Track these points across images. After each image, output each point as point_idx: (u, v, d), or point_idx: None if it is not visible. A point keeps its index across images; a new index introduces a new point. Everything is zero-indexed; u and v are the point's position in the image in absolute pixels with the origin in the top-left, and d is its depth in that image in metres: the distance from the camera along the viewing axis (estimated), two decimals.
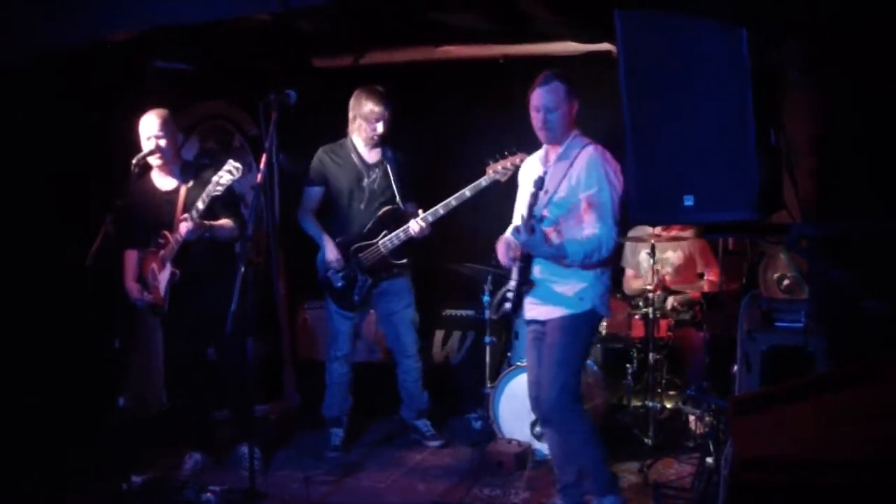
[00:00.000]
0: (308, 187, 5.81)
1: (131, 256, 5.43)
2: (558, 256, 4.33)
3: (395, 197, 5.75)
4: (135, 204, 5.14)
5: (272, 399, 6.78)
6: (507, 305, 4.54)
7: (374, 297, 5.86)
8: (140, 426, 5.53)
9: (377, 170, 5.75)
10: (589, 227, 4.35)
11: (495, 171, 5.35)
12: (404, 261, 5.80)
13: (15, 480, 5.06)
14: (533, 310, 4.57)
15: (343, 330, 5.89)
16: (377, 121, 5.64)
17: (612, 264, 4.59)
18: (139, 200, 5.25)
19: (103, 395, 5.13)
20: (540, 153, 4.70)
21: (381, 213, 5.72)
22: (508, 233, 4.70)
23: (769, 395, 2.64)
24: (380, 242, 5.68)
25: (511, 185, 5.67)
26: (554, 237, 4.41)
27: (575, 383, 4.49)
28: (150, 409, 6.25)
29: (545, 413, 4.56)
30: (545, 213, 4.39)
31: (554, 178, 4.45)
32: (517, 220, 4.65)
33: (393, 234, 5.65)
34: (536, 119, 4.46)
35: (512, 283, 4.53)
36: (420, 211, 5.59)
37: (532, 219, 4.28)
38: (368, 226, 5.71)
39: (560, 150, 4.52)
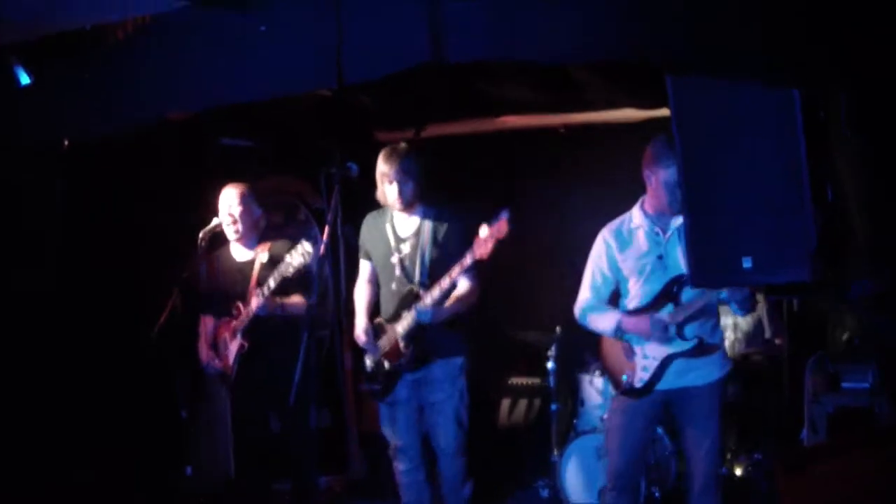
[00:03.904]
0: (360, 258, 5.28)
1: (207, 322, 5.51)
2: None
3: (421, 276, 4.89)
4: (210, 274, 5.23)
5: (337, 470, 6.75)
6: (646, 375, 4.31)
7: (409, 386, 4.97)
8: (207, 497, 5.55)
9: (407, 243, 4.96)
10: None
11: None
12: (439, 348, 4.91)
13: None
14: (685, 375, 4.29)
15: (388, 418, 5.11)
16: (388, 182, 4.84)
17: None
18: (215, 270, 5.35)
19: (171, 464, 5.18)
20: (634, 216, 4.49)
21: (403, 293, 4.91)
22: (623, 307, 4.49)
23: (816, 451, 2.61)
24: (398, 327, 4.88)
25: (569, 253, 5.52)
26: None
27: None
28: (217, 480, 6.27)
29: (702, 487, 4.26)
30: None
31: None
32: (603, 283, 4.53)
33: (403, 318, 4.86)
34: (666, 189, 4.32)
35: (655, 351, 4.30)
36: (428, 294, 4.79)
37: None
38: (392, 309, 4.97)
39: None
